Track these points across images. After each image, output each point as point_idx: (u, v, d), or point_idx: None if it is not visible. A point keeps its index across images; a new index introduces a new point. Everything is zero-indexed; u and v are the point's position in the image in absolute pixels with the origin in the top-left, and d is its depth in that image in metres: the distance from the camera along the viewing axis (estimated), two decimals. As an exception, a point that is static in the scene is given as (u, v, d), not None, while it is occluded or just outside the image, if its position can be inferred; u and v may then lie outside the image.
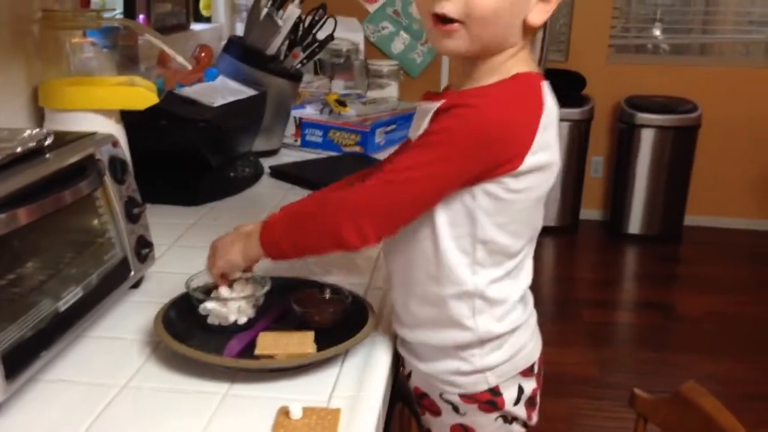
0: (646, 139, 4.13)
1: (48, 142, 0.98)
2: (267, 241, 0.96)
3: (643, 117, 4.10)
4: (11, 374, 0.82)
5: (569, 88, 4.16)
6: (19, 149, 0.92)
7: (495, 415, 1.00)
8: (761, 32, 4.33)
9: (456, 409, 1.01)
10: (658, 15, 4.43)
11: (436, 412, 1.03)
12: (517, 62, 0.92)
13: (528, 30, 0.91)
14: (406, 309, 1.00)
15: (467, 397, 1.00)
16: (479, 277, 0.94)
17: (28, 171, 0.90)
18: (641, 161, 4.16)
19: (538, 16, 0.90)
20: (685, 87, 4.24)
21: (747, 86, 4.24)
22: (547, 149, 0.90)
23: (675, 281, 3.89)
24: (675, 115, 4.10)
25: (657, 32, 4.46)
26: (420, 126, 0.93)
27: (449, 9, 0.88)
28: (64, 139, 1.03)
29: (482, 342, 0.96)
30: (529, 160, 0.88)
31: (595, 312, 3.45)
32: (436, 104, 0.91)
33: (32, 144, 0.94)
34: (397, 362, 1.06)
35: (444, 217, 0.91)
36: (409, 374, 1.06)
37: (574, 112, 4.10)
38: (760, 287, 3.73)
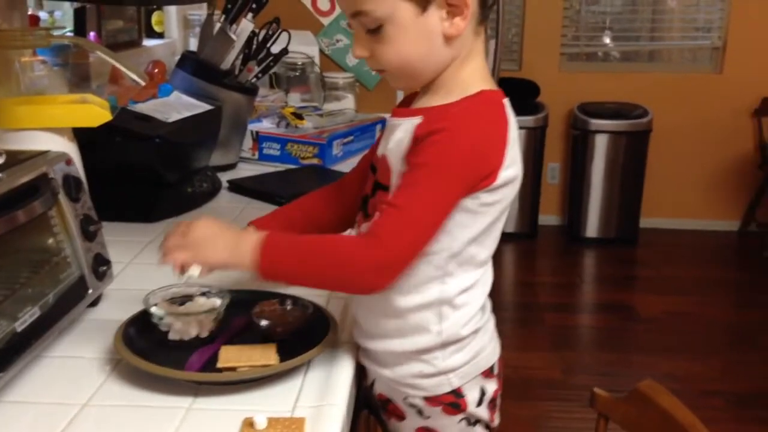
0: (600, 144, 4.21)
1: (0, 161, 0.97)
2: (267, 258, 0.90)
3: (596, 123, 4.19)
4: (-32, 397, 0.80)
5: (523, 96, 4.23)
6: (-30, 169, 0.91)
7: (459, 417, 1.02)
8: (706, 38, 4.45)
9: (420, 412, 1.02)
10: (608, 23, 4.53)
11: (401, 417, 1.04)
12: (473, 73, 0.95)
13: (454, 40, 0.93)
14: (369, 321, 1.01)
15: (431, 400, 1.01)
16: (449, 287, 0.96)
17: (-20, 191, 0.89)
18: (596, 166, 4.25)
19: (455, 28, 0.91)
20: (636, 93, 4.33)
21: (695, 91, 4.36)
22: (514, 164, 0.94)
23: (633, 283, 3.97)
24: (627, 121, 4.19)
25: (607, 40, 4.56)
26: (390, 141, 0.95)
27: (368, 63, 0.96)
28: (16, 158, 1.02)
29: (444, 345, 0.98)
30: (502, 175, 0.92)
31: (556, 316, 3.50)
32: (411, 121, 0.93)
33: (-16, 164, 0.93)
34: (360, 371, 1.07)
35: None
36: (373, 383, 1.07)
37: (529, 120, 4.16)
38: (714, 286, 3.83)
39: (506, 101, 0.96)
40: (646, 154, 4.25)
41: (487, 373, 1.03)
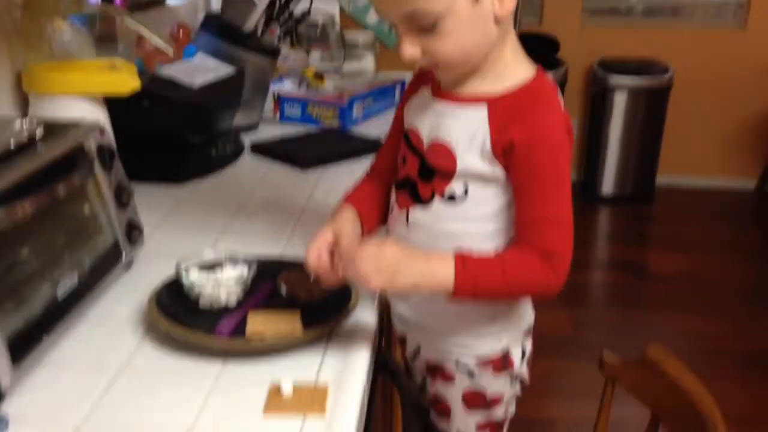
0: (619, 101, 4.19)
1: (38, 134, 1.01)
2: (465, 279, 0.93)
3: (616, 79, 4.16)
4: (16, 359, 0.86)
5: (543, 51, 4.20)
6: (12, 145, 0.95)
7: (505, 375, 1.10)
8: (731, -7, 4.37)
9: (470, 373, 1.09)
10: (631, -24, 4.46)
11: (449, 379, 1.10)
12: (513, 51, 0.98)
13: (503, 20, 0.94)
14: (432, 302, 1.06)
15: (482, 360, 1.09)
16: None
17: (22, 164, 0.94)
18: (614, 123, 4.23)
19: (505, 8, 0.93)
20: (658, 49, 4.29)
21: (717, 47, 4.30)
22: None
23: (647, 241, 4.00)
24: (647, 77, 4.16)
25: (630, -7, 4.49)
26: (451, 128, 0.98)
27: (419, 61, 0.95)
28: (53, 130, 1.06)
29: (498, 308, 1.06)
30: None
31: (570, 272, 3.53)
32: (475, 111, 0.96)
33: (24, 138, 0.98)
34: (380, 337, 1.13)
35: (495, 211, 0.99)
36: (417, 350, 1.14)
37: (549, 74, 4.14)
38: (729, 245, 3.84)
39: (545, 72, 1.01)
40: (665, 110, 4.22)
41: (527, 332, 1.12)
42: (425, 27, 0.91)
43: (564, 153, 0.96)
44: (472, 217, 1.00)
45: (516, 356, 1.11)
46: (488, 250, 0.99)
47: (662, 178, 4.38)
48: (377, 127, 1.96)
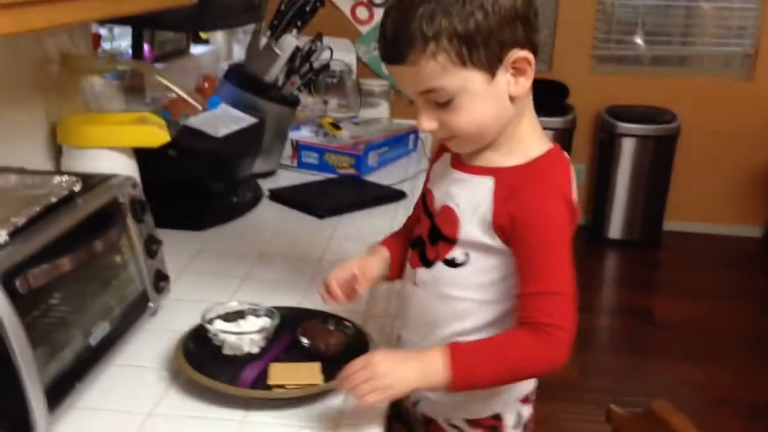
0: (627, 147, 4.25)
1: (76, 188, 1.07)
2: (461, 372, 0.94)
3: (624, 126, 4.23)
4: (53, 406, 0.91)
5: (552, 97, 4.28)
6: (53, 198, 1.01)
7: None
8: (739, 45, 4.46)
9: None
10: (640, 26, 4.55)
11: (443, 434, 1.14)
12: (529, 127, 1.02)
13: (518, 99, 0.99)
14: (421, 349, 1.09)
15: (472, 422, 1.11)
16: (504, 326, 1.03)
17: (63, 220, 1.00)
18: (622, 169, 4.29)
19: (521, 88, 0.97)
20: (665, 97, 4.36)
21: (725, 97, 4.37)
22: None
23: (654, 286, 4.03)
24: (655, 125, 4.23)
25: (639, 41, 4.58)
26: (458, 196, 1.03)
27: (435, 133, 1.00)
28: (88, 183, 1.12)
29: None
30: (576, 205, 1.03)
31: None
32: (483, 181, 1.01)
33: (65, 192, 1.04)
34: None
35: (494, 281, 1.02)
36: (417, 402, 1.16)
37: (557, 121, 4.21)
38: (736, 294, 3.87)
39: (560, 148, 1.05)
40: (672, 158, 4.29)
41: (524, 399, 1.13)
42: (441, 103, 0.96)
43: (558, 229, 0.98)
44: (472, 285, 1.03)
45: (509, 421, 1.12)
46: (487, 319, 1.02)
47: (670, 224, 4.42)
48: (393, 174, 2.02)
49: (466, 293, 1.04)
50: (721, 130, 4.39)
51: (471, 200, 1.01)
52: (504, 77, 0.96)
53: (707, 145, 4.41)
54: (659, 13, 4.51)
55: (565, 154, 1.05)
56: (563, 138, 4.28)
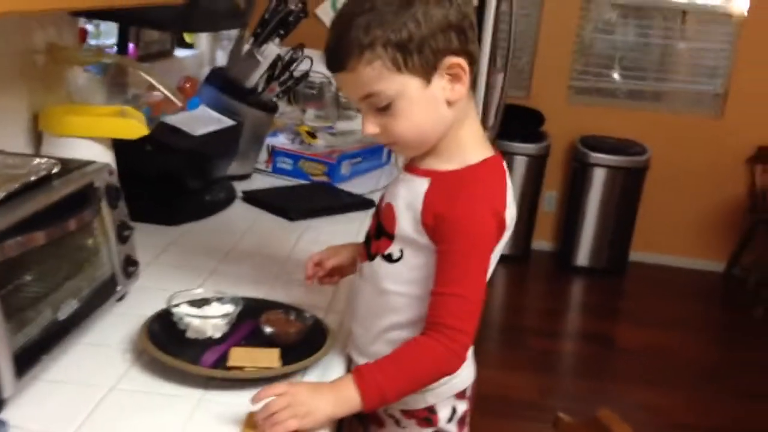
0: (598, 177, 4.36)
1: (55, 170, 1.12)
2: (369, 391, 0.99)
3: (596, 156, 4.34)
4: (20, 373, 0.95)
5: (529, 124, 4.38)
6: (32, 177, 1.06)
7: (430, 430, 1.16)
8: (710, 83, 4.60)
9: (397, 422, 1.17)
10: (617, 60, 4.68)
11: (380, 424, 1.19)
12: (469, 134, 1.07)
13: (455, 104, 1.04)
14: (364, 340, 1.15)
15: (407, 413, 1.16)
16: None
17: (40, 197, 1.04)
18: (592, 198, 4.40)
19: (457, 93, 1.03)
20: (638, 130, 4.49)
21: (695, 133, 4.51)
22: (512, 203, 1.08)
23: (616, 314, 4.12)
24: (626, 157, 4.34)
25: (615, 76, 4.71)
26: (398, 194, 1.08)
27: (377, 138, 1.06)
28: (66, 167, 1.17)
29: None
30: (508, 219, 1.06)
31: (540, 340, 3.64)
32: (419, 181, 1.06)
33: (44, 172, 1.08)
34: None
35: (424, 277, 1.06)
36: None
37: (531, 148, 4.31)
38: (694, 324, 3.97)
39: (502, 159, 1.09)
40: (641, 190, 4.40)
41: (460, 395, 1.17)
42: (382, 108, 1.02)
43: (480, 238, 1.02)
44: (404, 280, 1.08)
45: (443, 414, 1.16)
46: (419, 313, 1.07)
47: (635, 255, 4.52)
48: (364, 185, 2.08)
49: (400, 288, 1.09)
50: (690, 166, 4.52)
51: (407, 198, 1.07)
52: (439, 83, 1.01)
53: (675, 179, 4.53)
54: (637, 49, 4.65)
55: (504, 164, 1.09)
56: (537, 165, 4.39)
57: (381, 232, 1.11)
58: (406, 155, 1.12)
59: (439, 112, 1.04)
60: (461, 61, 1.01)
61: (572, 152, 4.53)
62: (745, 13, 4.37)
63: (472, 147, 1.08)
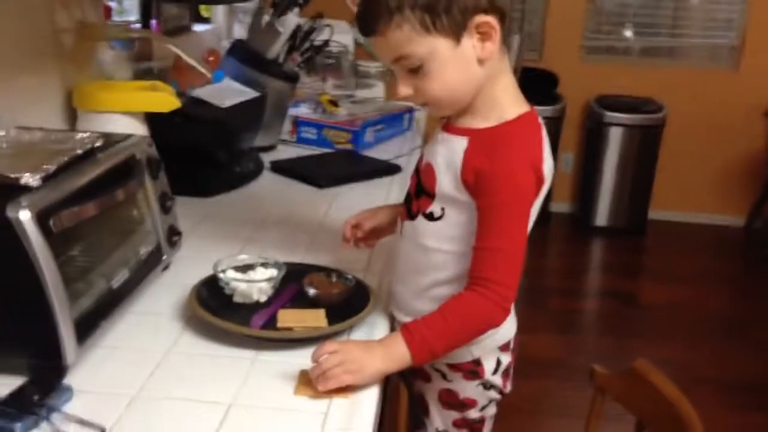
0: (614, 136, 4.35)
1: (98, 144, 1.14)
2: (418, 347, 1.02)
3: (612, 116, 4.32)
4: (81, 339, 0.99)
5: (543, 86, 4.37)
6: (79, 151, 1.08)
7: (476, 382, 1.20)
8: (725, 36, 4.56)
9: (444, 376, 1.20)
10: (630, 17, 4.65)
11: (427, 379, 1.22)
12: (504, 90, 1.08)
13: (487, 62, 1.04)
14: (407, 299, 1.18)
15: (453, 366, 1.19)
16: None
17: (88, 169, 1.07)
18: (609, 158, 4.39)
19: (487, 51, 1.03)
20: (653, 87, 4.46)
21: (711, 87, 4.48)
22: (549, 157, 1.09)
23: (638, 272, 4.13)
24: (641, 115, 4.33)
25: (628, 33, 4.67)
26: (437, 153, 1.10)
27: (411, 99, 1.08)
28: (108, 141, 1.19)
29: None
30: (546, 173, 1.07)
31: (562, 300, 3.67)
32: (458, 140, 1.07)
33: (89, 146, 1.11)
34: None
35: (466, 234, 1.08)
36: None
37: (547, 110, 4.30)
38: (716, 279, 3.98)
39: (538, 116, 1.10)
40: (658, 147, 4.39)
41: (504, 347, 1.21)
42: (414, 69, 1.03)
43: (520, 192, 1.04)
44: (446, 237, 1.11)
45: (488, 367, 1.20)
46: (461, 270, 1.09)
47: (654, 213, 4.52)
48: (388, 151, 2.10)
49: (442, 245, 1.11)
50: (707, 121, 4.50)
51: (446, 157, 1.09)
52: (470, 42, 1.02)
53: (693, 135, 4.52)
54: (649, 5, 4.61)
55: (539, 119, 1.10)
56: (552, 126, 4.37)
57: (421, 191, 1.13)
58: (440, 114, 1.13)
59: (470, 70, 1.04)
60: (490, 19, 1.02)
61: (587, 112, 4.52)
62: (759, -36, 4.32)
63: (508, 103, 1.08)
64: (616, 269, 4.13)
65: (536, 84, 4.30)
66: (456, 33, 1.01)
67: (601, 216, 4.49)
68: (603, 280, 4.09)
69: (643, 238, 4.47)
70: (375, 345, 1.05)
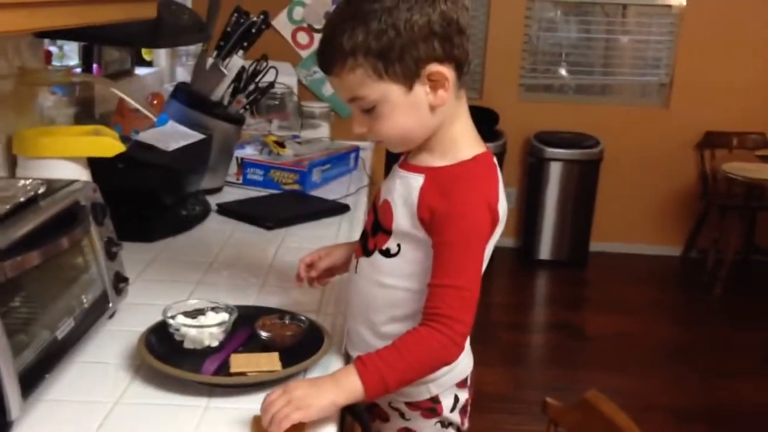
0: (554, 171, 4.46)
1: (41, 190, 1.12)
2: (371, 379, 1.01)
3: (551, 151, 4.43)
4: (26, 393, 0.95)
5: (483, 123, 4.43)
6: (21, 198, 1.05)
7: (434, 420, 1.19)
8: (654, 74, 4.74)
9: (402, 414, 1.19)
10: (563, 57, 4.79)
11: (385, 418, 1.21)
12: (461, 132, 1.10)
13: (439, 108, 1.06)
14: (362, 337, 1.17)
15: (412, 405, 1.18)
16: None
17: (30, 217, 1.04)
18: (550, 192, 4.49)
19: (439, 99, 1.05)
20: (589, 123, 4.59)
21: (643, 123, 4.64)
22: (504, 213, 1.10)
23: (582, 303, 4.20)
24: (580, 150, 4.44)
25: (563, 72, 4.82)
26: (394, 190, 1.11)
27: (365, 137, 1.11)
28: (52, 188, 1.17)
29: None
30: (500, 211, 1.09)
31: (510, 334, 3.70)
32: (415, 178, 1.09)
33: (31, 193, 1.08)
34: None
35: (422, 271, 1.09)
36: None
37: (489, 146, 4.34)
38: (657, 308, 4.08)
39: (492, 155, 1.12)
40: (596, 181, 4.51)
41: (461, 384, 1.21)
42: (367, 109, 1.06)
43: (475, 230, 1.05)
44: (402, 273, 1.11)
45: (446, 404, 1.20)
46: (417, 307, 1.09)
47: (595, 245, 4.62)
48: (335, 191, 2.11)
49: (398, 282, 1.12)
50: (641, 155, 4.64)
51: (403, 194, 1.10)
52: (422, 89, 1.03)
53: (628, 169, 4.65)
54: (581, 45, 4.77)
55: (494, 160, 1.12)
56: (494, 162, 4.45)
57: (378, 228, 1.13)
58: (394, 150, 1.15)
59: (422, 115, 1.06)
60: (443, 69, 1.02)
61: (528, 148, 4.62)
62: (684, 3, 4.51)
63: (464, 144, 1.10)
64: (560, 302, 4.19)
65: (477, 121, 4.38)
66: (408, 80, 1.03)
67: (545, 249, 4.57)
68: (549, 312, 4.15)
69: (586, 270, 4.56)
70: (324, 379, 1.04)
